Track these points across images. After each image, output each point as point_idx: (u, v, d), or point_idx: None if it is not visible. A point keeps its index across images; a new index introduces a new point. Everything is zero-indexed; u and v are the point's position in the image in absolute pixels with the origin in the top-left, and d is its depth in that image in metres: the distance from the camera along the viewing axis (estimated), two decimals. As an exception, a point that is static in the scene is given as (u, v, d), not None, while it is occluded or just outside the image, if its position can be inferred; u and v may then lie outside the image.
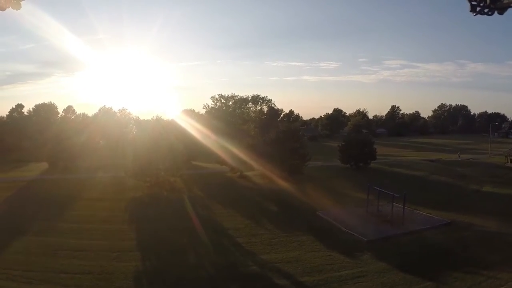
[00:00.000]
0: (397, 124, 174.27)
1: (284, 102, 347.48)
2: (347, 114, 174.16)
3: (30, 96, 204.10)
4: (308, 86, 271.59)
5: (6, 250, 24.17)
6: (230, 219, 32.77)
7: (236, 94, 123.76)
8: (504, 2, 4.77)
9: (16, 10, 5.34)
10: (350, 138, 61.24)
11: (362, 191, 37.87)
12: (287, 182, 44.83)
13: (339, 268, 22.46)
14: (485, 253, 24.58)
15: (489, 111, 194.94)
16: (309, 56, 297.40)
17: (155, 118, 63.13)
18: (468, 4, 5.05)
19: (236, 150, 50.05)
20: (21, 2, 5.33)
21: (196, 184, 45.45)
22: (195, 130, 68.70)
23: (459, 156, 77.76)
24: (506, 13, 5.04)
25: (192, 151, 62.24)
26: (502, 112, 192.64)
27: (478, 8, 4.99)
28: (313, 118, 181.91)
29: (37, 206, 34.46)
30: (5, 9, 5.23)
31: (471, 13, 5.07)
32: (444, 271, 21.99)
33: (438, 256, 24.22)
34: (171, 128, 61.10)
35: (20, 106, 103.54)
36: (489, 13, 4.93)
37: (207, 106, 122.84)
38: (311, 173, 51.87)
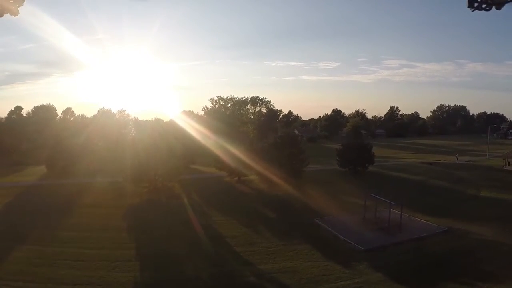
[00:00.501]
0: (396, 125, 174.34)
1: (283, 101, 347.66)
2: (346, 115, 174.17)
3: (29, 96, 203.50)
4: (307, 86, 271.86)
5: (7, 260, 24.35)
6: (228, 227, 32.95)
7: (234, 96, 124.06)
8: None
9: (14, 16, 5.34)
10: (348, 143, 61.27)
11: (360, 196, 37.95)
12: (286, 187, 45.03)
13: (335, 279, 22.64)
14: (481, 263, 24.81)
15: (488, 112, 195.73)
16: (308, 56, 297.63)
17: (154, 119, 63.50)
18: (466, 0, 5.05)
19: (234, 155, 50.16)
20: (18, 8, 5.33)
21: (195, 190, 45.53)
22: (194, 133, 68.92)
23: (457, 159, 77.96)
24: (505, 13, 5.09)
25: (190, 154, 62.51)
26: (501, 113, 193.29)
27: (475, 4, 4.98)
28: (312, 119, 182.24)
29: (36, 213, 34.60)
30: (3, 15, 5.26)
31: (469, 8, 5.06)
32: (439, 282, 22.21)
33: (434, 266, 24.40)
34: (170, 130, 61.31)
35: (19, 108, 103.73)
36: (487, 8, 4.92)
37: (205, 108, 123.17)
38: (310, 177, 52.03)
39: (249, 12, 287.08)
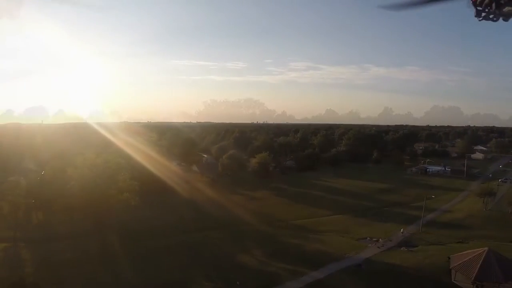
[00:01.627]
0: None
1: (277, 100, 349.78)
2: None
3: (20, 96, 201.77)
4: (302, 86, 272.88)
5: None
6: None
7: (228, 99, 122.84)
8: (510, 9, 4.72)
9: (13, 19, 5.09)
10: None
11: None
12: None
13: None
14: None
15: (482, 113, 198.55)
16: (303, 55, 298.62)
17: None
18: (474, 10, 5.04)
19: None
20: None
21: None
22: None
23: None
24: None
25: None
26: (494, 113, 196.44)
27: (483, 14, 4.98)
28: (306, 117, 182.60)
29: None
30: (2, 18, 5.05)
31: (476, 18, 5.07)
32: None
33: None
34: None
35: (10, 112, 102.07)
36: (494, 19, 4.95)
37: (199, 111, 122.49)
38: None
39: (244, 11, 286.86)
